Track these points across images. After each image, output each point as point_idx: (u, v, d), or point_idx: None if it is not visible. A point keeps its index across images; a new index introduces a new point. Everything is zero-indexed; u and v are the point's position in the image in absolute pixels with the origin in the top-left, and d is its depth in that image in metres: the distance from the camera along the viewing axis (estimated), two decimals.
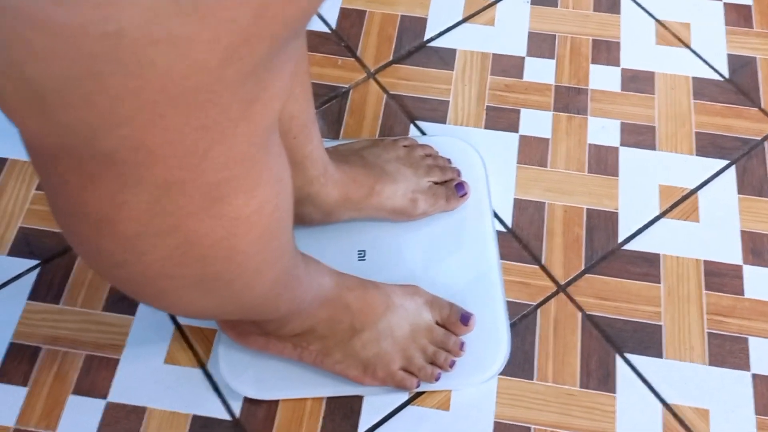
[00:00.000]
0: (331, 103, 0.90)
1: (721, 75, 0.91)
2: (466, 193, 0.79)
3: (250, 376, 0.71)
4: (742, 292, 0.77)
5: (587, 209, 0.82)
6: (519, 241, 0.81)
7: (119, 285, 0.45)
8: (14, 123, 0.32)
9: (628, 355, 0.74)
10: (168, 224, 0.37)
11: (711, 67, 0.92)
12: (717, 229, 0.81)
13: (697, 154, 0.86)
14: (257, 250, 0.43)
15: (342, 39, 0.95)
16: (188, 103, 0.30)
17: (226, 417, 0.71)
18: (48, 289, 0.78)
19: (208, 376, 0.73)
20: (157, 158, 0.33)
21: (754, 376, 0.73)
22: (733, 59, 0.93)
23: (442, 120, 0.89)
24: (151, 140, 0.31)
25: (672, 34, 0.95)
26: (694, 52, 0.93)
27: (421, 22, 0.96)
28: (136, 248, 0.38)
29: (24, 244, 0.80)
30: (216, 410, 0.71)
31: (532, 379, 0.73)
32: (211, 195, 0.37)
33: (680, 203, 0.83)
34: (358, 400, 0.72)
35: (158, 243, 0.38)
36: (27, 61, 0.27)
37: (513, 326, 0.76)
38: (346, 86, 0.91)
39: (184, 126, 0.31)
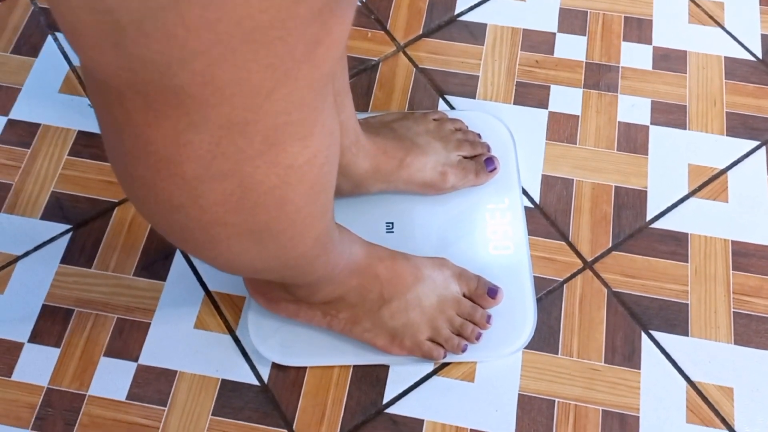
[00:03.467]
0: (360, 76, 0.90)
1: (754, 55, 0.91)
2: (495, 168, 0.79)
3: (278, 342, 0.72)
4: None
5: (616, 187, 0.82)
6: (546, 217, 0.81)
7: (171, 232, 0.46)
8: (85, 59, 0.33)
9: (654, 333, 0.74)
10: (226, 167, 0.38)
11: (744, 47, 0.91)
12: (746, 209, 0.81)
13: (727, 134, 0.85)
14: (306, 202, 0.44)
15: (372, 12, 0.95)
16: (260, 39, 0.31)
17: (255, 382, 0.72)
18: (80, 253, 0.79)
19: (237, 342, 0.74)
20: (224, 96, 0.33)
21: None
22: (766, 40, 0.92)
23: (471, 95, 0.88)
24: (221, 76, 0.32)
25: (705, 13, 0.94)
26: (727, 31, 0.92)
27: None
28: (194, 191, 0.39)
29: (57, 209, 0.81)
30: (245, 375, 0.73)
31: (557, 354, 0.74)
32: (269, 139, 0.37)
33: (709, 183, 0.82)
34: (384, 369, 0.73)
35: (215, 187, 0.39)
36: None
37: (539, 301, 0.76)
38: (376, 59, 0.91)
39: (253, 63, 0.32)
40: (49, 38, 0.93)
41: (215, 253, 0.46)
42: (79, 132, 0.86)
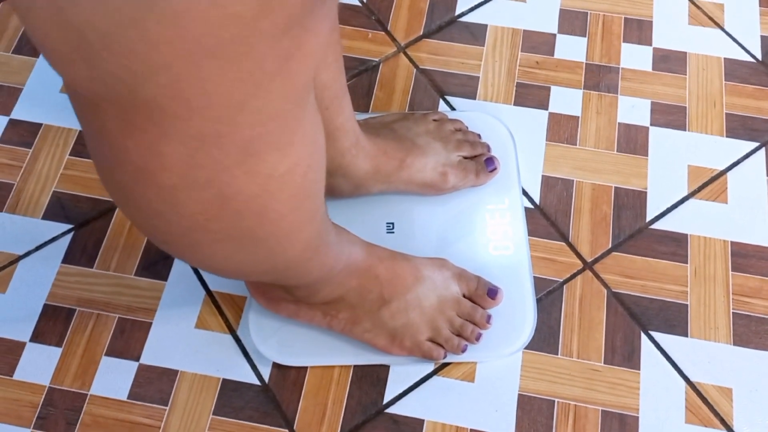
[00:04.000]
0: (361, 77, 0.90)
1: (753, 57, 0.91)
2: (495, 168, 0.79)
3: (279, 342, 0.73)
4: None
5: (615, 188, 0.82)
6: (546, 217, 0.81)
7: (154, 236, 0.46)
8: (61, 72, 0.33)
9: (653, 333, 0.75)
10: (203, 177, 0.38)
11: (744, 48, 0.91)
12: (745, 210, 0.81)
13: (727, 136, 0.86)
14: (290, 209, 0.44)
15: (373, 12, 0.95)
16: (224, 55, 0.31)
17: (256, 382, 0.73)
18: (82, 252, 0.79)
19: (238, 342, 0.74)
20: (194, 109, 0.33)
21: None
22: (766, 41, 0.92)
23: (471, 96, 0.89)
24: (188, 90, 0.32)
25: (705, 15, 0.94)
26: (727, 33, 0.92)
27: None
28: (172, 199, 0.39)
29: (58, 208, 0.82)
30: (246, 375, 0.73)
31: (556, 354, 0.74)
32: (246, 150, 0.38)
33: (709, 184, 0.83)
34: (384, 369, 0.73)
35: (193, 195, 0.39)
36: (70, 7, 0.28)
37: (539, 301, 0.76)
38: (376, 60, 0.91)
39: (220, 77, 0.32)
40: None
41: (199, 256, 0.46)
42: (81, 132, 0.86)
